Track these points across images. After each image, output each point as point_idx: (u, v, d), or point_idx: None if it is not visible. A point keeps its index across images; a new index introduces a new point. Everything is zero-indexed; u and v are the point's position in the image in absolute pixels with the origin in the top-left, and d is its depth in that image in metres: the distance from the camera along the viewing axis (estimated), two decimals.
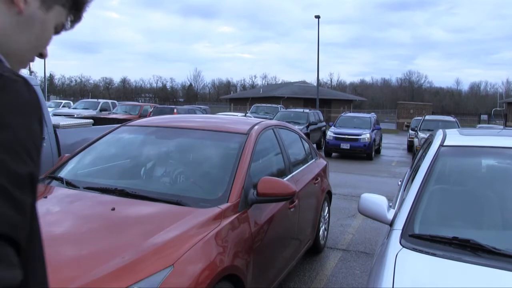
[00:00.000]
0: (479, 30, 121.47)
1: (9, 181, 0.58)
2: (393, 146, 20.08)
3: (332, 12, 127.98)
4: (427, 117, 18.08)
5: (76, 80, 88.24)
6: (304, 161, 4.41)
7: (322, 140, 17.29)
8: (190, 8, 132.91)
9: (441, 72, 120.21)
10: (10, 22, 0.72)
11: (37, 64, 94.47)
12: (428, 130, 13.06)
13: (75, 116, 12.61)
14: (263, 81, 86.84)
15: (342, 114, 17.40)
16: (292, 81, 57.18)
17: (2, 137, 0.58)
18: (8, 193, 0.58)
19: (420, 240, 2.02)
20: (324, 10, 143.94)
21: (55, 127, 4.84)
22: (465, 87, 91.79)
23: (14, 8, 0.72)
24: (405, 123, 29.15)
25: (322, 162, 5.02)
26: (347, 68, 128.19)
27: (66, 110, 22.28)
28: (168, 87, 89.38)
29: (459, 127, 12.83)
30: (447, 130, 3.26)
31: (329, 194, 5.01)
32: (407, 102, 43.30)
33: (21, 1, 0.71)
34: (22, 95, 0.63)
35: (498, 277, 1.75)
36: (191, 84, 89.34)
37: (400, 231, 2.11)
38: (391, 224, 2.26)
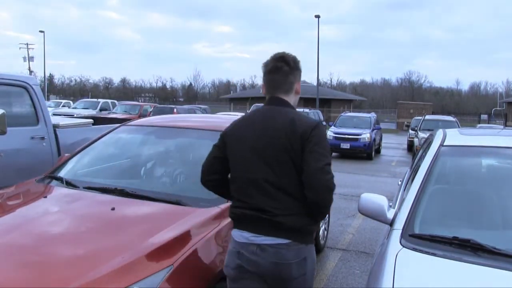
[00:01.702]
0: (479, 30, 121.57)
1: (329, 154, 1.95)
2: (393, 146, 20.08)
3: (331, 12, 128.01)
4: (427, 117, 18.07)
5: (75, 80, 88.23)
6: None
7: None
8: (189, 8, 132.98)
9: (441, 72, 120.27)
10: (295, 100, 2.12)
11: (37, 64, 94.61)
12: (428, 130, 13.06)
13: (75, 115, 12.60)
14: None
15: (342, 114, 17.41)
16: None
17: (326, 143, 1.96)
18: (329, 157, 1.93)
19: (420, 240, 2.02)
20: (322, 10, 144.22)
21: (55, 126, 4.84)
22: (465, 87, 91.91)
23: (297, 95, 2.13)
24: (405, 123, 29.14)
25: None
26: (347, 68, 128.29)
27: (66, 110, 22.28)
28: (168, 87, 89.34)
29: (459, 127, 12.82)
30: (447, 130, 3.26)
31: None
32: (407, 102, 43.30)
33: (298, 93, 2.13)
34: (324, 128, 1.99)
35: (498, 277, 1.75)
36: (191, 84, 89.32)
37: (400, 231, 2.11)
38: (391, 224, 2.26)
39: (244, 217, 1.97)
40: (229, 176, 2.11)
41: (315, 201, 1.88)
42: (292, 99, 2.10)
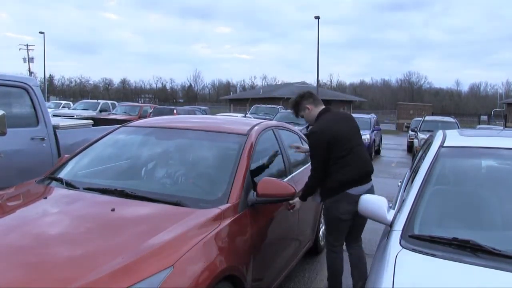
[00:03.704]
0: (478, 31, 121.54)
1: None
2: (393, 147, 20.08)
3: (329, 12, 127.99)
4: (427, 117, 18.07)
5: (75, 81, 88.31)
6: (304, 162, 4.40)
7: None
8: (187, 9, 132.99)
9: (441, 73, 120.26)
10: (311, 114, 3.48)
11: (37, 65, 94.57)
12: (428, 131, 13.05)
13: (75, 116, 12.59)
14: (263, 82, 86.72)
15: None
16: (292, 81, 57.24)
17: None
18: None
19: (420, 241, 2.02)
20: (321, 11, 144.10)
21: (55, 127, 4.84)
22: (465, 87, 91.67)
23: (310, 111, 3.51)
24: (405, 124, 29.10)
25: None
26: (347, 69, 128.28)
27: (66, 111, 22.28)
28: (168, 88, 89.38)
29: (459, 128, 12.82)
30: (447, 131, 3.27)
31: None
32: (407, 103, 43.28)
33: (311, 108, 3.49)
34: None
35: (498, 277, 1.75)
36: (190, 85, 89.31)
37: (400, 232, 2.12)
38: (391, 225, 2.26)
39: (360, 176, 3.28)
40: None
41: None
42: None
